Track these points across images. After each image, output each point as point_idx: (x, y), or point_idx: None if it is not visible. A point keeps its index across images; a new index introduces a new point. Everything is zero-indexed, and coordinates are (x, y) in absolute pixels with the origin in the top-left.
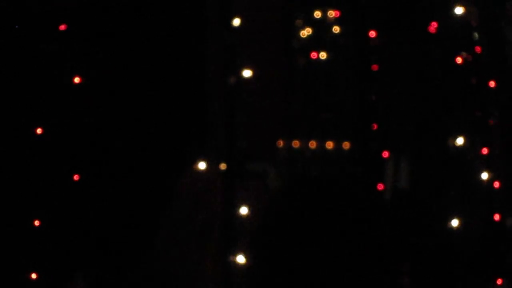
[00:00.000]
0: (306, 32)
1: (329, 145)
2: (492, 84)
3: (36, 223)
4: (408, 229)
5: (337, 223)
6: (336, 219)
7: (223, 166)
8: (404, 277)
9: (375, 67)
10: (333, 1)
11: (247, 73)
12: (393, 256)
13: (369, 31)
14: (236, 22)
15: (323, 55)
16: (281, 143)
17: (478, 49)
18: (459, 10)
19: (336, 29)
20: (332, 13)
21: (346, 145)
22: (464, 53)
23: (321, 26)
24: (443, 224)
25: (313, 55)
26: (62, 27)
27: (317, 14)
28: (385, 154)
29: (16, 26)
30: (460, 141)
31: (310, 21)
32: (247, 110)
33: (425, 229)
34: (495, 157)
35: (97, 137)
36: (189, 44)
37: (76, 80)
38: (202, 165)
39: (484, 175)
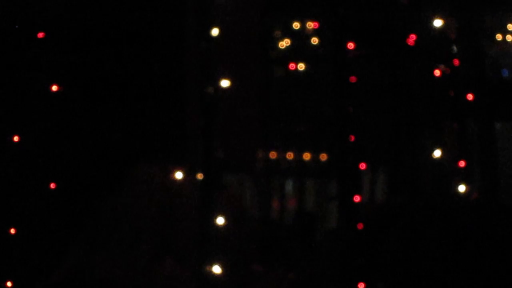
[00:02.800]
0: (284, 43)
1: (306, 156)
2: (470, 97)
3: (12, 231)
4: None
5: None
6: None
7: (200, 176)
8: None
9: (353, 79)
10: (312, 12)
11: (225, 83)
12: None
13: (348, 42)
14: (215, 32)
15: (301, 66)
16: (258, 154)
17: (456, 62)
18: (437, 23)
19: (314, 40)
20: (311, 24)
21: (323, 156)
22: (442, 66)
23: (300, 37)
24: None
25: (292, 66)
26: (40, 35)
27: (296, 25)
28: (362, 166)
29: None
30: (437, 153)
31: (288, 32)
32: (225, 121)
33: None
34: (472, 169)
35: (74, 146)
36: (168, 54)
37: (54, 88)
38: (179, 175)
39: (462, 188)
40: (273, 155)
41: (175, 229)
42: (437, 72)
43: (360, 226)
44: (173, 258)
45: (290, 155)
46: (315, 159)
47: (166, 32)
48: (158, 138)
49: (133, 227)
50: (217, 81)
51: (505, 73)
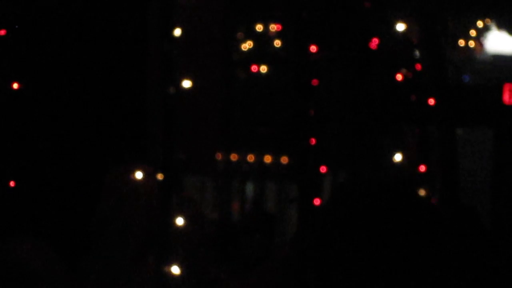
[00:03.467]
0: (247, 45)
1: (267, 159)
2: (431, 101)
3: None
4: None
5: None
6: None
7: (160, 176)
8: None
9: (315, 82)
10: (274, 15)
11: (186, 84)
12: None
13: (310, 45)
14: (177, 32)
15: (263, 69)
16: (219, 156)
17: (418, 66)
18: (400, 27)
19: (277, 43)
20: (273, 27)
21: (284, 159)
22: (404, 70)
23: (263, 40)
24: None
25: (254, 68)
26: (1, 32)
27: (259, 27)
28: (323, 169)
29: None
30: (398, 157)
31: (251, 34)
32: (186, 122)
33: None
34: (432, 174)
35: (35, 144)
36: (130, 53)
37: (15, 86)
38: (139, 175)
39: (422, 192)
40: (234, 157)
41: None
42: (399, 77)
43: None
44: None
45: (251, 158)
46: (276, 161)
47: (128, 31)
48: (119, 138)
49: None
50: (178, 81)
51: (466, 79)
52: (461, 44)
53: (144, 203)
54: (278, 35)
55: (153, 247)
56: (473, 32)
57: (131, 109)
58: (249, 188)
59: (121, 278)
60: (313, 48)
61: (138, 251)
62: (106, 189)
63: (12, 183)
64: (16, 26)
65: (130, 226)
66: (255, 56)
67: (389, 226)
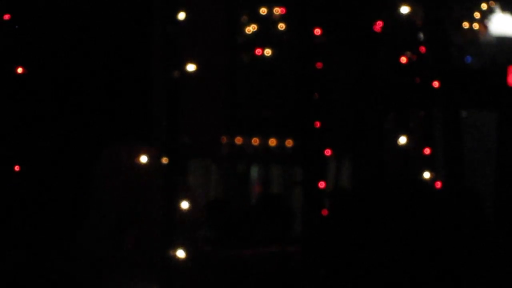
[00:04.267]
0: (251, 28)
1: (272, 142)
2: (436, 84)
3: None
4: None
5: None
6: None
7: (165, 160)
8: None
9: (319, 65)
10: None
11: (191, 67)
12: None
13: (314, 28)
14: (181, 16)
15: (268, 52)
16: (224, 139)
17: (422, 49)
18: (404, 10)
19: (281, 26)
20: (277, 10)
21: (289, 142)
22: (408, 53)
23: (267, 23)
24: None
25: (258, 51)
26: (6, 16)
27: (263, 10)
28: (328, 152)
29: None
30: (403, 140)
31: (255, 18)
32: (191, 105)
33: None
34: (437, 157)
35: (41, 128)
36: (134, 37)
37: (19, 70)
38: (144, 158)
39: (426, 175)
40: (238, 140)
41: (142, 211)
42: (403, 59)
43: (324, 212)
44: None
45: (255, 141)
46: (280, 145)
47: (132, 15)
48: (125, 122)
49: (104, 205)
50: (182, 65)
51: (469, 60)
52: (465, 26)
53: (140, 183)
54: (282, 18)
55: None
56: (477, 15)
57: (136, 93)
58: (254, 171)
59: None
60: (317, 31)
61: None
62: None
63: (17, 168)
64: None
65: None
66: (259, 39)
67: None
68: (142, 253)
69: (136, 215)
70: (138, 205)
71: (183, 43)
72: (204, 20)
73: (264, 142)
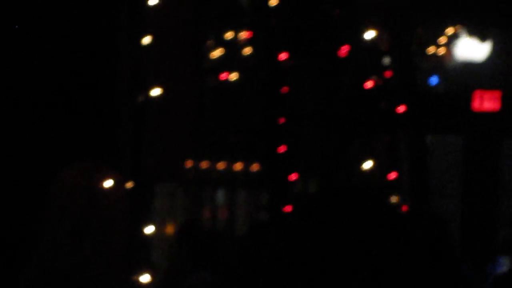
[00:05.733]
0: (217, 53)
1: (238, 166)
2: (401, 109)
3: None
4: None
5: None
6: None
7: (129, 185)
8: None
9: (285, 89)
10: (245, 22)
11: (156, 91)
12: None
13: (280, 53)
14: (147, 40)
15: (234, 76)
16: (189, 164)
17: (388, 73)
18: (370, 35)
19: (247, 50)
20: (244, 34)
21: (254, 167)
22: (374, 77)
23: (233, 47)
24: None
25: (224, 76)
26: None
27: (229, 35)
28: (293, 176)
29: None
30: (368, 164)
31: (221, 42)
32: (156, 129)
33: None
34: (403, 181)
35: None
36: (100, 61)
37: None
38: (109, 183)
39: (393, 199)
40: (204, 164)
41: (103, 234)
42: (369, 84)
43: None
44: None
45: (221, 165)
46: (246, 169)
47: (98, 39)
48: (90, 146)
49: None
50: (148, 89)
51: (435, 81)
52: (430, 51)
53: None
54: (248, 42)
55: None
56: (443, 39)
57: (101, 118)
58: (220, 195)
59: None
60: (283, 56)
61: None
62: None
63: None
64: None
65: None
66: (225, 63)
67: (356, 232)
68: (104, 278)
69: (93, 237)
70: (96, 227)
71: (149, 68)
72: (170, 45)
73: (230, 166)
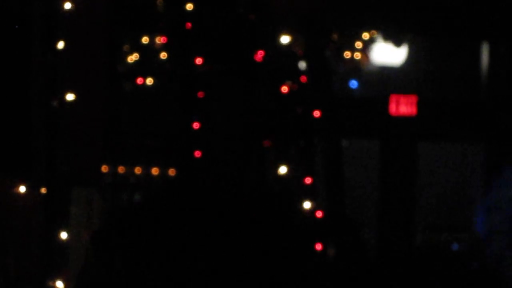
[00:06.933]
0: (133, 57)
1: (155, 171)
2: (317, 113)
3: None
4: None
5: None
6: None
7: (44, 190)
8: None
9: (200, 94)
10: (160, 27)
11: (70, 96)
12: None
13: (196, 58)
14: (61, 45)
15: (150, 81)
16: (105, 169)
17: (303, 78)
18: (285, 40)
19: (163, 55)
20: (159, 39)
21: (171, 171)
22: (289, 82)
23: (149, 52)
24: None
25: (140, 80)
26: None
27: (145, 39)
28: (210, 180)
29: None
30: (283, 170)
31: (137, 47)
32: (71, 134)
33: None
34: (318, 186)
35: None
36: (12, 66)
37: None
38: (22, 189)
39: (307, 204)
40: (121, 169)
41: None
42: (284, 89)
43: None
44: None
45: (138, 170)
46: (163, 174)
47: (10, 43)
48: (3, 153)
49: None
50: (62, 94)
51: (355, 85)
52: (347, 56)
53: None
54: (164, 47)
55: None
56: (359, 44)
57: (14, 123)
58: (137, 200)
59: None
60: (199, 61)
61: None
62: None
63: None
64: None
65: None
66: (141, 68)
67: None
68: (20, 283)
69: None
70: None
71: (63, 73)
72: (85, 50)
73: (147, 171)
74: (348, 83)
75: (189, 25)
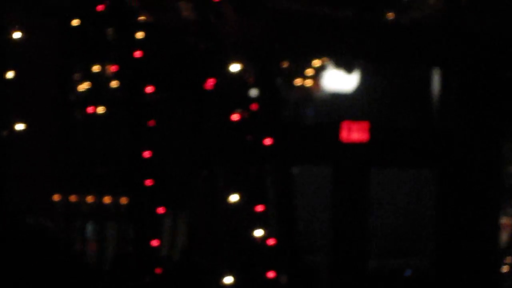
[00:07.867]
0: (84, 86)
1: (107, 200)
2: (267, 141)
3: None
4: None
5: None
6: None
7: None
8: None
9: (151, 123)
10: (111, 56)
11: (20, 126)
12: None
13: (146, 86)
14: (10, 74)
15: (100, 110)
16: (57, 198)
17: (254, 106)
18: (235, 68)
19: (114, 83)
20: (110, 68)
21: (123, 200)
22: (240, 110)
23: (99, 80)
24: (217, 281)
25: (90, 109)
26: None
27: (96, 68)
28: (161, 210)
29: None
30: (234, 198)
31: (88, 75)
32: (21, 164)
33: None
34: (270, 214)
35: None
36: None
37: None
38: None
39: (259, 232)
40: (73, 198)
41: None
42: (235, 116)
43: (158, 270)
44: None
45: (90, 199)
46: (115, 202)
47: None
48: None
49: None
50: (11, 124)
51: (311, 112)
52: (297, 83)
53: None
54: (115, 75)
55: None
56: (309, 71)
57: None
58: (89, 228)
59: None
60: (149, 89)
61: None
62: None
63: None
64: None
65: None
66: (92, 96)
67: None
68: None
69: None
70: None
71: (12, 102)
72: (35, 79)
73: (99, 199)
74: (299, 110)
75: (140, 53)
